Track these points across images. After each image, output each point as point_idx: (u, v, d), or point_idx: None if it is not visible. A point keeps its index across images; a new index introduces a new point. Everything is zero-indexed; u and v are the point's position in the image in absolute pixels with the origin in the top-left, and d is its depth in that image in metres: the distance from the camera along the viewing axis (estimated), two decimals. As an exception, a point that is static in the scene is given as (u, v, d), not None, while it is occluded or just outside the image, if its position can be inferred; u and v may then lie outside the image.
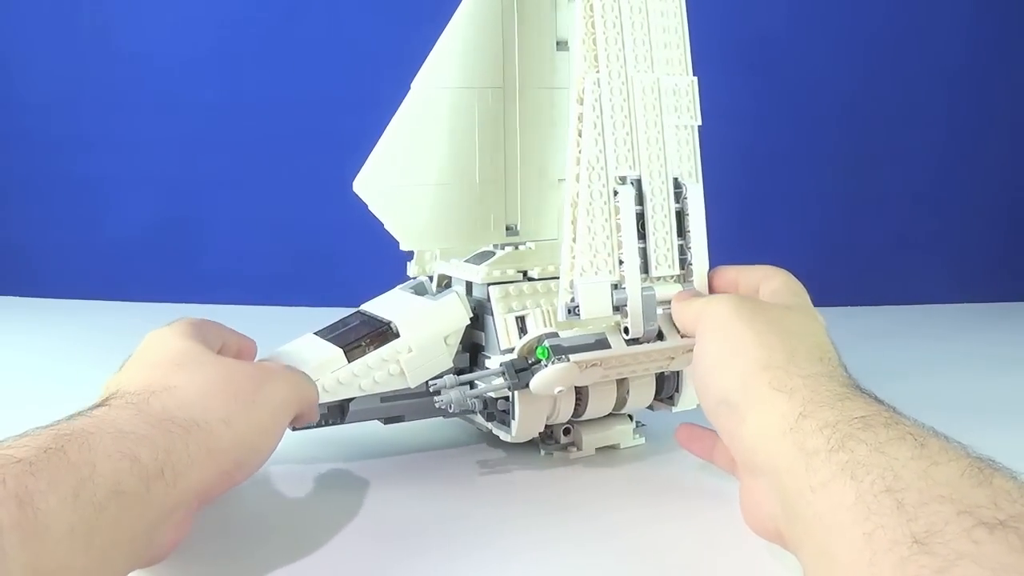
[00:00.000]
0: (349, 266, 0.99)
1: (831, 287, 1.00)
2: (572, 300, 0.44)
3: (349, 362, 0.48)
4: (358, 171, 0.50)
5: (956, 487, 0.27)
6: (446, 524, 0.44)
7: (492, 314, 0.50)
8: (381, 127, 0.50)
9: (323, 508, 0.46)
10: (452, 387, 0.46)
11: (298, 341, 0.50)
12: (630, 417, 0.54)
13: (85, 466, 0.31)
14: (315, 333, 0.51)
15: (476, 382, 0.48)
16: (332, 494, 0.48)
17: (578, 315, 0.44)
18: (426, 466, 0.52)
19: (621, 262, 0.45)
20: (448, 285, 0.54)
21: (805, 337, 0.39)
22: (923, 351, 0.80)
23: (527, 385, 0.45)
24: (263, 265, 1.04)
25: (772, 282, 0.44)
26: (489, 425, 0.50)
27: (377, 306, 0.53)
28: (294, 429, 0.45)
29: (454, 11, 0.81)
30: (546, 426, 0.50)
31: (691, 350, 0.42)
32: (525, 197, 0.54)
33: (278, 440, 0.41)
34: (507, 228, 0.54)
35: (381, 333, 0.49)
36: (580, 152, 0.45)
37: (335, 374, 0.47)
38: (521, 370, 0.46)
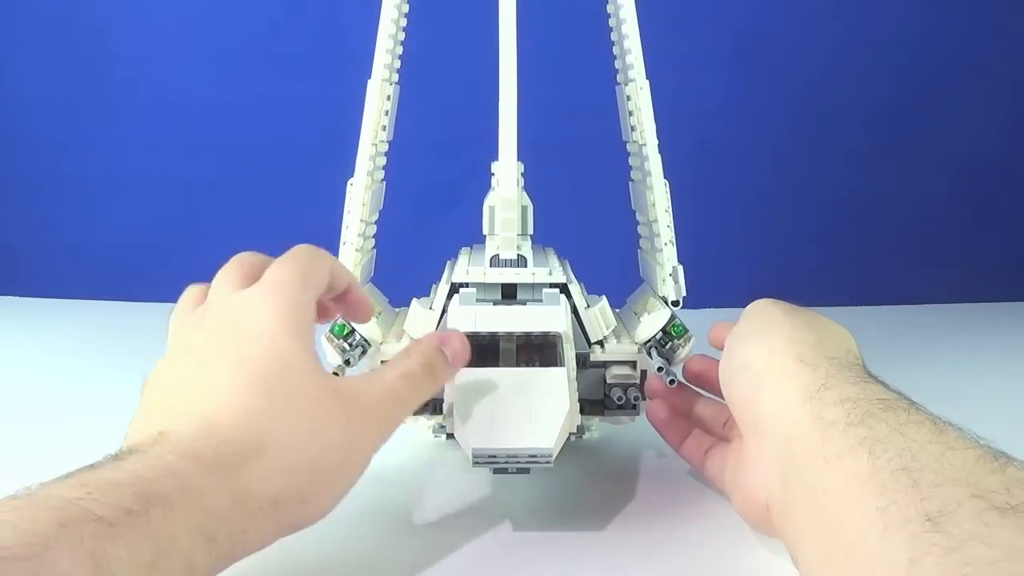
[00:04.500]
0: (349, 266, 0.98)
1: (831, 287, 1.01)
2: (677, 286, 0.50)
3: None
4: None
5: (971, 472, 0.28)
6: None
7: (575, 311, 0.48)
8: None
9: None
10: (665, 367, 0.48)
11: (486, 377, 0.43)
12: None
13: (166, 539, 0.30)
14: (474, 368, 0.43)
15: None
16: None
17: (684, 295, 0.50)
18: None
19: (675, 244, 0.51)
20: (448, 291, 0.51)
21: (833, 332, 0.41)
22: (925, 352, 0.80)
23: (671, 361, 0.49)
24: (263, 265, 1.03)
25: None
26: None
27: (485, 323, 0.46)
28: None
29: (448, 14, 0.81)
30: None
31: None
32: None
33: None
34: None
35: (558, 347, 0.44)
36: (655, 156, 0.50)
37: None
38: (664, 348, 0.49)
